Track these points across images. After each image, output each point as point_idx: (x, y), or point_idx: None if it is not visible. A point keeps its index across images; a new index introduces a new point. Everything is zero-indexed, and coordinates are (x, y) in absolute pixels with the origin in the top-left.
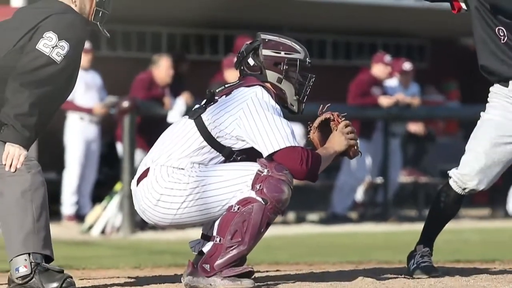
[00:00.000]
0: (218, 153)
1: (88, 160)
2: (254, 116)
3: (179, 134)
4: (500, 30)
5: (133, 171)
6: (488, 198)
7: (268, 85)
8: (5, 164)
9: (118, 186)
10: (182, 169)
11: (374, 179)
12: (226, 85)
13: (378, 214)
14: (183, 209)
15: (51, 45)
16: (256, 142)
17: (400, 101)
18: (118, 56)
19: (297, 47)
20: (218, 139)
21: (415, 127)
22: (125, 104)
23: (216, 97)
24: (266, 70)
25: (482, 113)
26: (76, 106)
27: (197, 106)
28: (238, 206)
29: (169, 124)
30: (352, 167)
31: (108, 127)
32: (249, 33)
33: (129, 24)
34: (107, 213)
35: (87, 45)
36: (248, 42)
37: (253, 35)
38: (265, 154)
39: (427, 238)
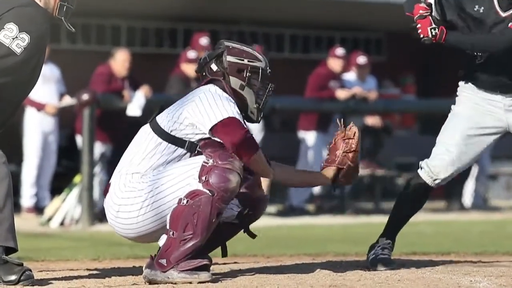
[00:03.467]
0: (176, 147)
1: (46, 152)
2: (203, 101)
3: (137, 140)
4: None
5: (92, 163)
6: (444, 191)
7: (223, 82)
8: None
9: (77, 178)
10: (139, 174)
11: None
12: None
13: (335, 206)
14: (142, 215)
15: (11, 36)
16: (203, 123)
17: (357, 94)
18: (77, 49)
19: (259, 56)
20: (172, 133)
21: (372, 120)
22: (85, 97)
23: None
24: (230, 77)
25: (452, 106)
26: (30, 100)
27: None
28: (187, 199)
29: (128, 117)
30: (309, 160)
31: (67, 120)
32: (208, 27)
33: (89, 17)
34: (66, 205)
35: None
36: (207, 50)
37: (213, 29)
38: (208, 128)
39: (391, 231)
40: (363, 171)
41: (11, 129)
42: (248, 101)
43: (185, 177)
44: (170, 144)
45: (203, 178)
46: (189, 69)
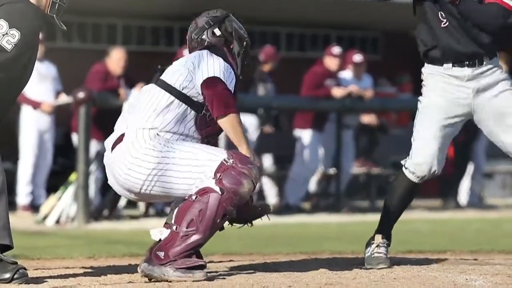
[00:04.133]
0: (187, 107)
1: (42, 150)
2: (200, 59)
3: (146, 99)
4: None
5: (88, 162)
6: (439, 189)
7: (221, 47)
8: None
9: (73, 176)
10: (156, 130)
11: (327, 170)
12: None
13: (331, 205)
14: (153, 176)
15: (1, 33)
16: (197, 79)
17: (353, 92)
18: (73, 48)
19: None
20: (184, 91)
21: (368, 119)
22: (81, 95)
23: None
24: (234, 41)
25: (420, 98)
26: (26, 98)
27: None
28: (196, 196)
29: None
30: (305, 158)
31: (63, 118)
32: None
33: (85, 15)
34: (62, 203)
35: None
36: (208, 13)
37: None
38: (199, 84)
39: (385, 227)
40: (359, 169)
41: (7, 127)
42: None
43: (202, 164)
44: (181, 103)
45: (218, 175)
46: None
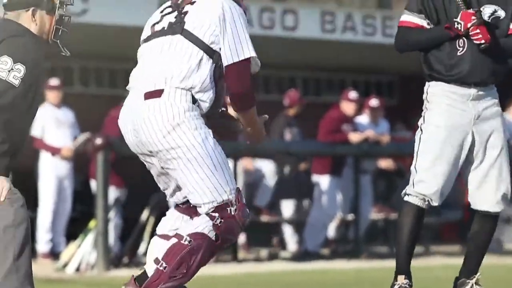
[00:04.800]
0: (214, 63)
1: (61, 197)
2: (226, 23)
3: (176, 51)
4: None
5: (107, 208)
6: (458, 234)
7: None
8: None
9: (92, 223)
10: (193, 90)
11: (345, 215)
12: None
13: (350, 250)
14: (180, 151)
15: (6, 69)
16: (223, 50)
17: (370, 137)
18: (91, 93)
19: None
20: (212, 45)
21: (385, 164)
22: (99, 141)
23: (182, 7)
24: None
25: (423, 125)
26: (45, 144)
27: (169, 21)
28: (190, 239)
29: (142, 162)
30: (323, 203)
31: (82, 164)
32: None
33: (101, 60)
34: (82, 250)
35: (56, 81)
36: None
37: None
38: (227, 61)
39: (403, 265)
40: (377, 215)
41: (26, 173)
42: None
43: (211, 189)
44: (209, 58)
45: (219, 219)
46: None
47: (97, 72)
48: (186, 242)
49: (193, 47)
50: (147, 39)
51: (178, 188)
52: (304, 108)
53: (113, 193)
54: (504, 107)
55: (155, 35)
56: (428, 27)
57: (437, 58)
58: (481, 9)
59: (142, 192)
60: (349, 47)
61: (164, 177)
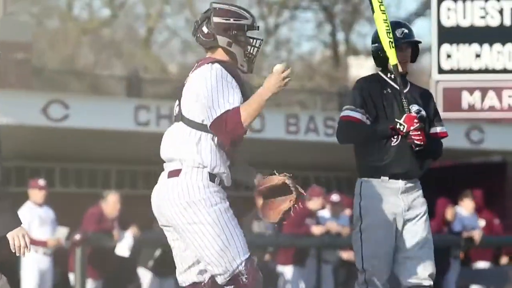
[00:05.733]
0: (208, 134)
1: None
2: (200, 97)
3: (183, 135)
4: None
5: None
6: None
7: (222, 58)
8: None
9: None
10: (207, 169)
11: None
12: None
13: None
14: (196, 225)
15: None
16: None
17: (331, 230)
18: (70, 192)
19: (245, 13)
20: (204, 122)
21: (346, 254)
22: (77, 237)
23: (183, 89)
24: (217, 36)
25: (363, 225)
26: (33, 239)
27: (176, 106)
28: None
29: (118, 256)
30: None
31: (61, 258)
32: None
33: (81, 162)
34: None
35: (42, 182)
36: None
37: None
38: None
39: None
40: None
41: (8, 267)
42: (238, 55)
43: (227, 261)
44: (209, 134)
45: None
46: None
47: (77, 173)
48: None
49: (191, 130)
50: (171, 123)
51: (194, 264)
52: None
53: (90, 284)
54: (456, 201)
55: (173, 119)
56: (368, 122)
57: (370, 153)
58: (410, 107)
59: (118, 284)
60: (311, 146)
61: (183, 253)
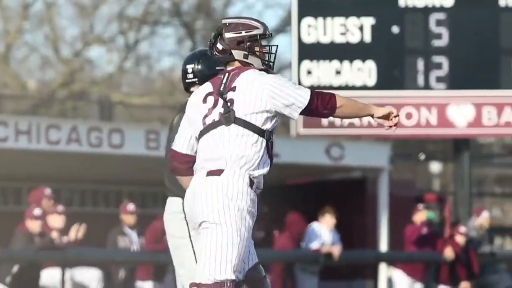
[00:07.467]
0: (261, 138)
1: None
2: (277, 85)
3: (234, 137)
4: None
5: None
6: None
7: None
8: None
9: None
10: (250, 172)
11: None
12: (221, 84)
13: None
14: (222, 227)
15: None
16: (288, 105)
17: None
18: None
19: (256, 23)
20: (263, 126)
21: None
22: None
23: (225, 96)
24: (233, 50)
25: (176, 239)
26: None
27: (219, 112)
28: None
29: None
30: None
31: None
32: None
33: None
34: None
35: None
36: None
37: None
38: (298, 112)
39: None
40: None
41: None
42: (256, 65)
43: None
44: (264, 139)
45: None
46: (34, 225)
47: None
48: None
49: (248, 132)
50: (203, 132)
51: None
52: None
53: None
54: (316, 218)
55: (210, 127)
56: None
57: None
58: None
59: None
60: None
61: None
